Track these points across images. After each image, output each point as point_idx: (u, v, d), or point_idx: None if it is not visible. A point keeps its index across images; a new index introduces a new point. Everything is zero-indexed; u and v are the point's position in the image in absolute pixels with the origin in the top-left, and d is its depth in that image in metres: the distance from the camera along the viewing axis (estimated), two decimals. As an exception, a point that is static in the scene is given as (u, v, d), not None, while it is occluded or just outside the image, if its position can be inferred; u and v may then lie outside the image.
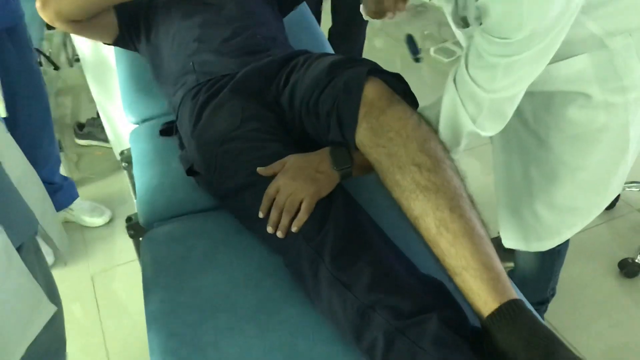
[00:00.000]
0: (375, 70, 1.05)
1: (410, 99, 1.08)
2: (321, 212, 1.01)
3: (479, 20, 0.93)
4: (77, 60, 3.18)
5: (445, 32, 3.62)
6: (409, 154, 0.94)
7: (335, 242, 0.97)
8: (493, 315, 0.83)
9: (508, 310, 0.83)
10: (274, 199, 1.05)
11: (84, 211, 2.25)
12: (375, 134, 0.98)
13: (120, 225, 2.29)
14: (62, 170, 2.25)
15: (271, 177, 1.08)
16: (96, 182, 2.50)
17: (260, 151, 1.12)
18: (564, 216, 1.25)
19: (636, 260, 1.94)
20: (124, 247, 2.17)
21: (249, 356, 0.94)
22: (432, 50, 3.36)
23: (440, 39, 3.54)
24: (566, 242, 1.37)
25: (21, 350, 0.86)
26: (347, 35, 2.59)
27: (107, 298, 1.99)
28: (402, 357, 0.85)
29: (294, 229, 1.01)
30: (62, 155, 2.36)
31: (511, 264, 1.55)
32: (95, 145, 2.66)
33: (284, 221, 1.02)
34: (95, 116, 2.69)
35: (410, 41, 0.99)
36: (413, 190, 0.93)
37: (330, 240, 0.97)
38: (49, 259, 2.06)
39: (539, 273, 1.48)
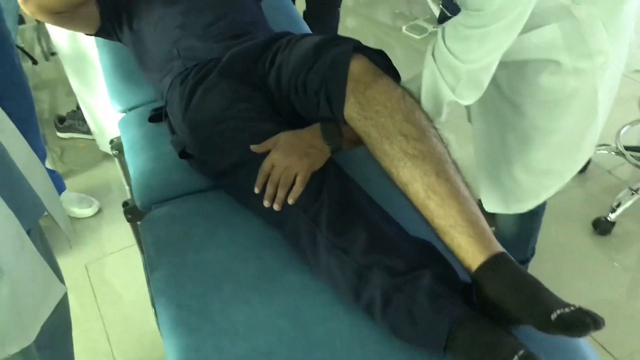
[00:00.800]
0: (359, 47, 1.11)
1: (393, 74, 1.14)
2: (316, 184, 1.07)
3: None
4: (53, 54, 3.17)
5: (415, 10, 3.68)
6: (396, 124, 1.00)
7: (331, 211, 1.03)
8: (481, 267, 0.90)
9: (495, 262, 0.90)
10: (269, 175, 1.11)
11: (73, 203, 2.27)
12: (363, 107, 1.04)
13: (109, 214, 2.32)
14: (47, 164, 2.27)
15: (264, 155, 1.13)
16: (81, 174, 2.52)
17: (253, 130, 1.17)
18: (541, 178, 1.32)
19: (608, 219, 2.04)
20: (114, 236, 2.21)
21: (256, 322, 1.00)
22: (403, 28, 3.42)
23: (411, 17, 3.60)
24: (544, 204, 1.45)
25: (35, 330, 0.91)
26: (321, 17, 2.63)
27: (102, 285, 2.03)
28: (399, 311, 0.92)
29: (290, 201, 1.07)
30: (46, 149, 2.37)
31: (492, 228, 1.63)
32: (78, 138, 2.67)
33: (280, 194, 1.08)
34: (75, 109, 2.70)
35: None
36: (401, 158, 0.99)
37: (325, 209, 1.03)
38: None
39: (519, 234, 1.56)
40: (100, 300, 1.98)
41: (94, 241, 2.19)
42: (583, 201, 2.22)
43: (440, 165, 0.98)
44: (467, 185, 0.99)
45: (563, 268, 1.98)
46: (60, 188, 2.25)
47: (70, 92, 3.05)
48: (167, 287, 1.08)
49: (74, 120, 2.63)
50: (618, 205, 2.04)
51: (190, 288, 1.07)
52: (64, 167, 2.54)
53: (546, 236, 1.65)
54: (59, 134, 2.68)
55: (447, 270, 0.97)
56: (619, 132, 2.27)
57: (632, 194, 2.05)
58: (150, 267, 1.14)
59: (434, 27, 3.36)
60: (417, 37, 3.33)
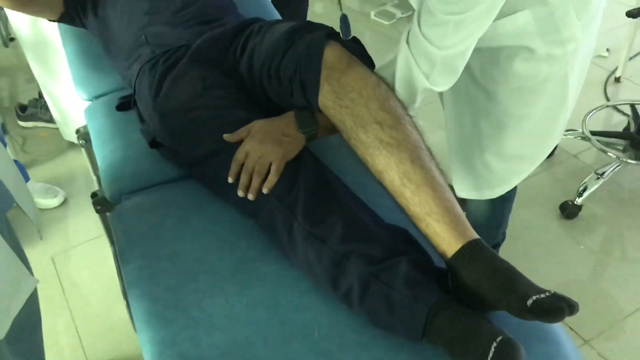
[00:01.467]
0: (333, 34, 1.10)
1: (367, 60, 1.13)
2: (290, 173, 1.06)
3: None
4: (12, 39, 3.06)
5: (384, -5, 3.67)
6: (371, 112, 1.00)
7: (307, 199, 1.02)
8: (457, 254, 0.91)
9: (470, 248, 0.90)
10: (243, 164, 1.09)
11: (38, 193, 2.21)
12: (338, 95, 1.02)
13: (75, 205, 2.27)
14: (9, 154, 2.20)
15: (238, 144, 1.11)
16: (44, 163, 2.46)
17: (225, 118, 1.15)
18: (512, 164, 1.34)
19: (575, 203, 2.08)
20: (81, 227, 2.17)
21: (232, 313, 0.99)
22: (372, 13, 3.41)
23: (379, 2, 3.59)
24: (514, 189, 1.47)
25: (6, 325, 0.88)
26: (289, 2, 2.60)
27: (70, 278, 1.99)
28: (377, 299, 0.92)
29: (265, 190, 1.06)
30: (6, 138, 2.30)
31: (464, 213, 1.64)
32: (40, 127, 2.60)
33: (255, 183, 1.06)
34: (37, 97, 2.62)
35: (345, 22, 1.04)
36: (376, 146, 0.99)
37: (301, 198, 1.02)
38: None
39: (490, 219, 1.58)
40: (68, 293, 1.94)
41: (60, 232, 2.15)
42: (550, 185, 2.26)
43: (415, 153, 0.98)
44: (441, 172, 1.00)
45: (531, 251, 2.02)
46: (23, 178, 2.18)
47: (31, 79, 2.96)
48: (140, 279, 1.06)
49: (36, 109, 2.56)
50: (584, 190, 2.08)
51: (164, 280, 1.05)
52: (27, 157, 2.47)
53: (515, 219, 1.68)
54: (21, 123, 2.60)
55: (423, 257, 0.97)
56: (585, 117, 2.32)
57: (598, 178, 2.09)
58: (121, 259, 1.12)
59: (402, 13, 3.36)
60: (386, 22, 3.33)
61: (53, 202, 2.23)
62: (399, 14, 3.37)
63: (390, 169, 0.98)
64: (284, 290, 1.02)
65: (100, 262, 2.01)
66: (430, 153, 1.01)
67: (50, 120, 2.54)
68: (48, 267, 2.02)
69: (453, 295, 0.92)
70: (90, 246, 2.10)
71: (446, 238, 0.92)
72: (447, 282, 0.94)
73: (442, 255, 0.94)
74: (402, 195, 0.97)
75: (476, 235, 0.93)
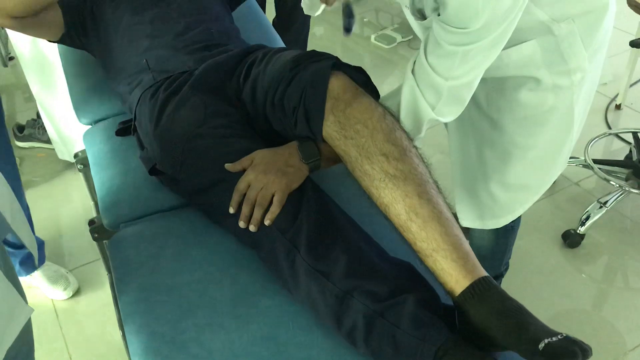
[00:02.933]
0: (338, 64, 1.08)
1: (372, 90, 1.11)
2: (293, 204, 1.04)
3: (437, 11, 0.97)
4: (11, 59, 3.05)
5: (383, 19, 3.68)
6: (377, 144, 0.98)
7: (310, 232, 1.00)
8: (465, 292, 0.88)
9: (479, 286, 0.88)
10: (245, 194, 1.07)
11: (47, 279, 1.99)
12: (342, 126, 1.01)
13: (71, 228, 2.23)
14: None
15: (240, 174, 1.09)
16: (41, 184, 2.43)
17: (227, 147, 1.13)
18: (517, 194, 1.32)
19: (578, 231, 2.06)
20: (77, 251, 2.13)
21: (232, 349, 0.96)
22: (372, 37, 3.41)
23: (379, 25, 3.60)
24: (518, 219, 1.45)
25: (1, 354, 0.85)
26: (290, 26, 2.61)
27: (64, 303, 1.95)
28: (382, 338, 0.89)
29: (266, 222, 1.03)
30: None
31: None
32: (37, 147, 2.57)
33: (257, 215, 1.04)
34: (35, 117, 2.60)
35: (349, 10, 1.01)
36: (382, 179, 0.97)
37: (304, 231, 1.00)
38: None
39: (494, 249, 1.55)
40: (62, 319, 1.90)
41: (55, 256, 2.11)
42: (551, 212, 2.24)
43: (422, 186, 0.96)
44: (449, 206, 0.98)
45: (532, 279, 2.00)
46: (40, 260, 1.97)
47: (29, 99, 2.95)
48: (137, 312, 1.03)
49: (33, 129, 2.53)
50: (587, 218, 2.06)
51: (162, 313, 1.02)
52: (23, 177, 2.42)
53: (515, 247, 1.66)
54: (18, 143, 2.57)
55: (430, 294, 0.95)
56: (587, 145, 2.30)
57: (601, 207, 2.08)
58: (118, 290, 1.09)
59: (402, 37, 3.36)
60: (386, 46, 3.33)
61: (60, 294, 1.96)
62: (399, 38, 3.37)
63: (396, 202, 0.96)
64: (285, 325, 0.99)
65: (96, 287, 1.97)
66: (437, 186, 0.99)
67: (47, 141, 2.52)
68: (42, 293, 1.98)
69: (460, 334, 0.90)
70: (86, 270, 2.06)
71: (454, 275, 0.89)
72: (454, 319, 0.92)
73: (449, 293, 0.91)
74: (409, 230, 0.94)
75: (485, 273, 0.90)
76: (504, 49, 1.04)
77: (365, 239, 1.05)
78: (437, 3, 0.96)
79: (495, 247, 1.55)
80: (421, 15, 1.05)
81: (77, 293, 1.98)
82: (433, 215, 0.93)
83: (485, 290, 0.87)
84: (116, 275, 1.12)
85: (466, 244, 0.93)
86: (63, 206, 2.32)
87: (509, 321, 0.83)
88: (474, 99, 1.24)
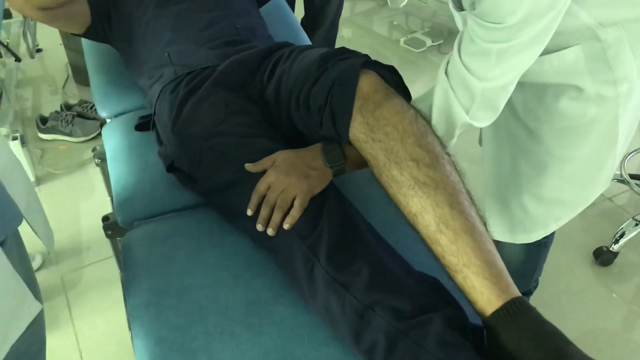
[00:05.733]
0: (369, 62, 1.02)
1: (403, 91, 1.05)
2: (315, 210, 0.98)
3: (473, 6, 0.91)
4: (38, 51, 3.06)
5: (413, 23, 3.61)
6: (407, 149, 0.91)
7: (331, 240, 0.94)
8: (497, 313, 0.81)
9: (513, 308, 0.81)
10: (264, 196, 1.01)
11: None
12: (371, 128, 0.94)
13: (88, 222, 2.21)
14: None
15: (260, 175, 1.04)
16: (60, 177, 2.41)
17: (248, 147, 1.08)
18: (551, 208, 1.24)
19: (611, 249, 1.97)
20: (94, 245, 2.10)
21: (243, 360, 0.90)
22: (402, 40, 3.35)
23: (408, 29, 3.53)
24: (552, 235, 1.38)
25: (4, 350, 0.81)
26: (319, 27, 2.56)
27: (78, 298, 1.92)
28: (405, 358, 0.83)
29: (285, 226, 0.98)
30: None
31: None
32: (60, 140, 2.56)
33: (276, 218, 0.98)
34: (59, 109, 2.59)
35: None
36: (411, 186, 0.90)
37: (325, 238, 0.94)
38: (35, 263, 1.96)
39: (524, 265, 1.48)
40: (75, 314, 1.87)
41: (72, 251, 2.08)
42: (582, 228, 2.15)
43: (454, 196, 0.89)
44: (482, 218, 0.91)
45: (560, 296, 1.92)
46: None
47: (55, 92, 2.95)
48: (146, 316, 0.98)
49: (56, 122, 2.52)
50: (621, 236, 1.97)
51: (171, 318, 0.97)
52: (43, 169, 2.42)
53: (545, 264, 1.59)
54: (41, 135, 2.56)
55: (457, 314, 0.88)
56: (624, 159, 2.21)
57: (636, 224, 1.98)
58: (127, 291, 1.04)
59: (432, 42, 3.29)
60: (416, 50, 3.26)
61: None
62: (429, 42, 3.30)
63: (425, 212, 0.89)
64: (300, 338, 0.93)
65: (110, 284, 1.93)
66: (470, 197, 0.92)
67: (70, 133, 2.50)
68: (56, 287, 1.95)
69: (489, 357, 0.83)
70: (101, 266, 2.03)
71: (485, 294, 0.83)
72: (483, 341, 0.85)
73: (479, 313, 0.85)
74: (438, 242, 0.88)
75: (519, 293, 0.83)
76: (544, 54, 0.96)
77: (389, 251, 0.99)
78: None
79: (525, 263, 1.47)
80: (459, 6, 0.99)
81: (91, 289, 1.95)
82: (465, 227, 0.87)
83: (520, 311, 0.80)
84: (126, 275, 1.07)
85: (500, 260, 0.87)
86: (83, 200, 2.30)
87: (544, 347, 0.77)
88: (510, 105, 1.17)
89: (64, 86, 2.95)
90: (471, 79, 0.95)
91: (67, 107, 2.60)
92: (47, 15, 1.38)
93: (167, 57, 1.32)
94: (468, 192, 0.92)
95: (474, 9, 0.90)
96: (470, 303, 0.86)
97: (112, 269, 1.97)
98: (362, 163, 1.01)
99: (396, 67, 1.09)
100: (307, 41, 1.75)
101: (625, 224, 2.01)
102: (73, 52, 2.78)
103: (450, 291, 0.92)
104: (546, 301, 1.87)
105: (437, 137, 0.97)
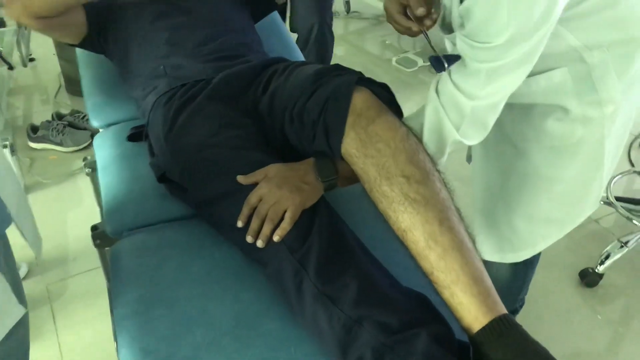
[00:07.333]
0: (363, 79, 1.03)
1: (396, 109, 1.06)
2: (305, 223, 0.99)
3: (463, 26, 0.93)
4: (31, 59, 3.05)
5: (405, 43, 3.65)
6: (398, 165, 0.93)
7: (320, 254, 0.94)
8: (484, 330, 0.82)
9: (499, 325, 0.82)
10: (255, 208, 1.02)
11: None
12: (363, 144, 0.96)
13: (76, 232, 2.19)
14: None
15: (251, 187, 1.04)
16: (49, 187, 2.40)
17: (240, 159, 1.09)
18: (540, 227, 1.26)
19: (596, 270, 1.98)
20: (81, 256, 2.08)
21: (230, 373, 0.90)
22: (393, 60, 3.38)
23: (401, 49, 3.57)
24: (538, 254, 1.39)
25: None
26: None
27: (63, 309, 1.90)
28: (391, 374, 0.83)
29: (275, 237, 0.98)
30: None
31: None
32: (50, 149, 2.55)
33: (266, 230, 0.99)
34: (50, 119, 2.58)
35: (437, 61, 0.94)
36: (401, 202, 0.91)
37: (314, 252, 0.94)
38: (21, 272, 1.94)
39: (511, 283, 1.49)
40: (60, 325, 1.85)
41: (58, 260, 2.06)
42: (568, 249, 2.16)
43: (443, 213, 0.90)
44: (470, 236, 0.92)
45: (545, 316, 1.92)
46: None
47: (46, 101, 2.95)
48: (133, 326, 0.98)
49: (47, 131, 2.51)
50: (607, 258, 1.99)
51: (158, 329, 0.96)
52: (32, 179, 2.41)
53: (531, 283, 1.60)
54: (31, 144, 2.55)
55: (444, 330, 0.88)
56: (610, 182, 2.23)
57: (621, 246, 2.00)
58: (115, 301, 1.03)
59: (423, 62, 3.33)
60: (407, 70, 3.30)
61: None
62: (420, 62, 3.34)
63: (415, 228, 0.90)
64: (287, 351, 0.93)
65: (97, 294, 1.92)
66: (460, 214, 0.93)
67: (61, 143, 2.50)
68: (42, 296, 1.93)
69: (475, 374, 0.83)
70: (88, 277, 2.01)
71: (472, 311, 0.83)
72: (469, 357, 0.85)
73: (465, 329, 0.85)
74: (426, 258, 0.89)
75: (506, 310, 0.84)
76: (531, 75, 0.98)
77: (377, 266, 0.99)
78: (462, 17, 0.91)
79: (512, 281, 1.48)
80: (449, 30, 1.01)
81: (77, 299, 1.93)
82: (454, 244, 0.88)
83: (506, 329, 0.81)
84: (114, 285, 1.07)
85: (487, 277, 0.88)
86: (71, 210, 2.29)
87: (531, 365, 0.77)
88: (499, 124, 1.18)
89: (55, 96, 2.95)
90: (461, 98, 0.97)
91: (59, 116, 2.60)
92: (44, 24, 1.38)
93: (163, 70, 1.33)
94: (457, 209, 0.94)
95: (464, 29, 0.92)
96: (457, 319, 0.86)
97: (98, 280, 1.96)
98: (354, 178, 1.02)
99: (388, 85, 1.11)
100: (300, 56, 1.77)
101: (610, 245, 2.03)
102: (66, 62, 2.78)
103: (437, 307, 0.93)
104: (532, 321, 1.87)
105: (428, 154, 0.98)
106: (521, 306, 1.60)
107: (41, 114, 2.77)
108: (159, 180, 1.21)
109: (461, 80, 0.97)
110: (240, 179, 1.05)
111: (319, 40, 2.42)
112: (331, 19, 2.48)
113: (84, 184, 2.39)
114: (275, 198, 1.00)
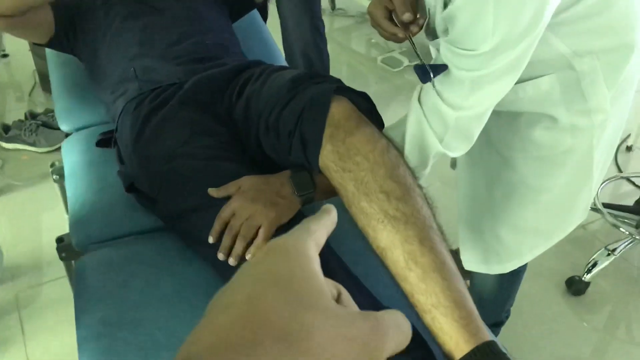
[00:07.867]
0: (341, 88, 0.98)
1: (376, 119, 1.01)
2: (280, 240, 0.93)
3: (447, 32, 0.88)
4: (5, 56, 2.96)
5: (391, 42, 3.60)
6: (377, 180, 0.87)
7: (296, 274, 0.89)
8: (466, 358, 0.77)
9: (482, 352, 0.77)
10: (227, 223, 0.96)
11: None
12: (341, 157, 0.90)
13: (49, 239, 2.11)
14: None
15: (224, 200, 0.98)
16: (21, 189, 2.32)
17: (212, 170, 1.03)
18: (526, 238, 1.22)
19: (583, 279, 1.95)
20: (54, 262, 2.00)
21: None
22: (379, 59, 3.33)
23: (387, 48, 3.52)
24: (525, 265, 1.34)
25: None
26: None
27: (32, 319, 1.83)
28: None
29: (248, 256, 0.93)
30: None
31: (466, 281, 1.51)
32: (22, 150, 2.47)
33: (238, 247, 0.93)
34: (22, 118, 2.50)
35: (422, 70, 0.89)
36: (380, 219, 0.86)
37: (290, 272, 0.89)
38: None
39: (497, 294, 1.44)
40: (28, 335, 1.77)
41: (29, 267, 1.98)
42: (554, 256, 2.13)
43: (424, 232, 0.85)
44: (452, 257, 0.87)
45: (531, 324, 1.88)
46: None
47: (21, 98, 2.85)
48: (96, 349, 0.92)
49: (20, 131, 2.43)
50: (594, 266, 1.95)
51: (123, 353, 0.90)
52: (4, 180, 2.32)
53: (518, 292, 1.56)
54: (2, 144, 2.46)
55: (426, 354, 0.84)
56: (598, 189, 2.20)
57: (608, 254, 1.97)
58: (77, 322, 0.97)
59: (409, 61, 3.28)
60: (392, 69, 3.24)
61: None
62: (406, 61, 3.29)
63: (394, 247, 0.85)
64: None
65: (69, 303, 1.82)
66: (442, 233, 0.88)
67: (33, 143, 2.41)
68: (10, 305, 1.85)
69: (458, 403, 0.78)
70: (60, 284, 1.93)
71: (454, 337, 0.78)
72: (452, 385, 0.80)
73: (446, 356, 0.80)
74: (406, 279, 0.83)
75: (489, 337, 0.79)
76: (519, 82, 0.93)
77: (357, 286, 0.94)
78: (445, 23, 0.86)
79: (498, 293, 1.44)
80: (434, 36, 0.95)
81: (47, 308, 1.86)
82: (435, 265, 0.82)
83: (489, 357, 0.76)
84: (77, 304, 1.01)
85: (470, 301, 0.82)
86: (44, 213, 2.21)
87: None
88: (485, 132, 1.13)
89: (30, 93, 2.86)
90: (445, 108, 0.92)
91: (32, 115, 2.51)
92: (7, 23, 1.31)
93: (133, 72, 1.27)
94: (439, 227, 0.88)
95: (447, 35, 0.86)
96: (439, 345, 0.81)
97: (70, 289, 1.89)
98: (332, 191, 0.96)
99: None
100: (281, 58, 1.71)
101: (597, 253, 1.99)
102: (41, 58, 2.69)
103: (419, 331, 0.88)
104: (518, 330, 1.84)
105: (409, 168, 0.93)
106: (507, 317, 1.56)
107: (15, 113, 2.68)
108: (127, 190, 1.15)
109: (444, 89, 0.91)
110: (212, 191, 0.99)
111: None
112: (323, 26, 2.48)
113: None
114: (248, 213, 0.94)
